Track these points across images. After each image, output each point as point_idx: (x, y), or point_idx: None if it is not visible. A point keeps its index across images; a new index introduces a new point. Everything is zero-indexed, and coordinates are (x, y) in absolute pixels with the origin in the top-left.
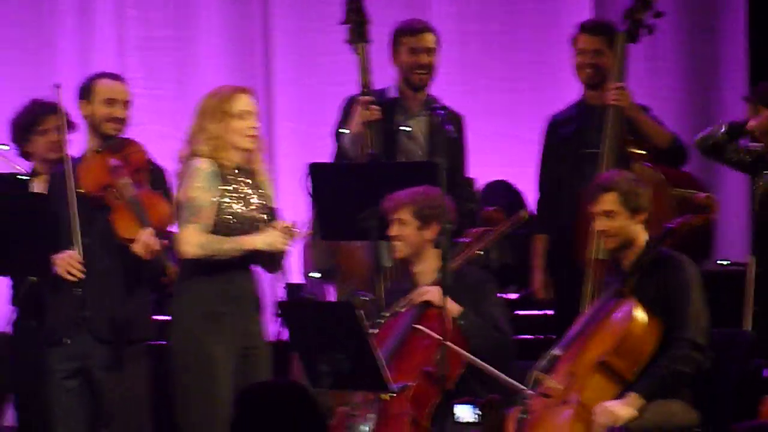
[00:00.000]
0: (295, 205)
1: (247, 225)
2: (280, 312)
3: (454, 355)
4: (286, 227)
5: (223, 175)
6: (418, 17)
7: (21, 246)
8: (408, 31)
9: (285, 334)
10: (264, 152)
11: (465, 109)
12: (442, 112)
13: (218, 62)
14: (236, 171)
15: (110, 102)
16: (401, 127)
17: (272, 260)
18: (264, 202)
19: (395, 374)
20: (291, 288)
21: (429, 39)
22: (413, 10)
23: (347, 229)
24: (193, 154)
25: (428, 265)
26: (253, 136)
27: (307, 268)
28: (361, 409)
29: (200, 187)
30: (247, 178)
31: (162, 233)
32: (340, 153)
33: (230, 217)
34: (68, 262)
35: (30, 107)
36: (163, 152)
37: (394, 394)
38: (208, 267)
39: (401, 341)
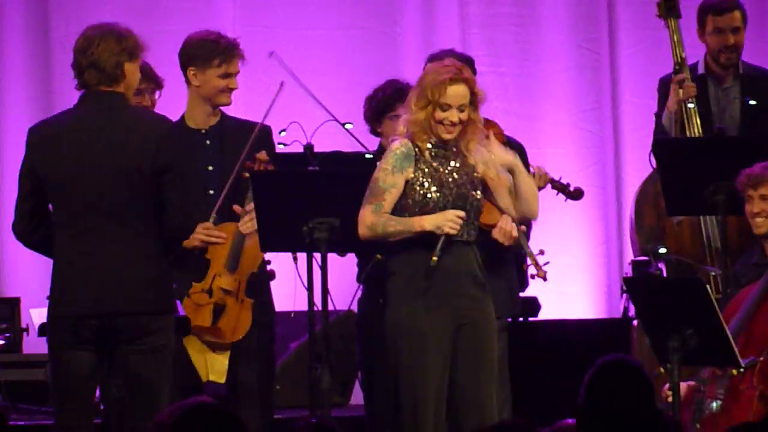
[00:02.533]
0: (641, 180)
1: (440, 206)
2: (626, 288)
3: None
4: (459, 215)
5: (418, 157)
6: None
7: None
8: (714, 10)
9: (631, 310)
10: (480, 134)
11: None
12: None
13: (561, 39)
14: (435, 150)
15: None
16: (750, 101)
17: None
18: (466, 174)
19: (743, 349)
20: (637, 265)
21: (735, 17)
22: None
23: (693, 204)
24: (398, 133)
25: None
26: (452, 128)
27: (635, 250)
28: (709, 384)
29: (386, 169)
30: (449, 152)
31: (521, 220)
32: (658, 131)
33: (422, 198)
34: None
35: (386, 90)
36: (508, 129)
37: (743, 370)
38: (408, 243)
39: (749, 315)
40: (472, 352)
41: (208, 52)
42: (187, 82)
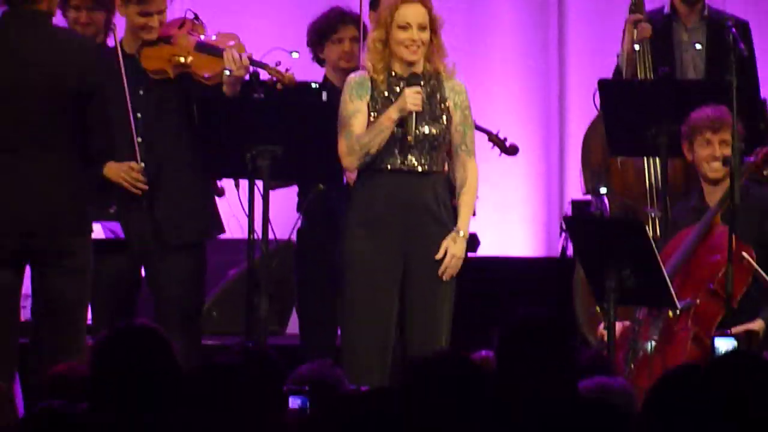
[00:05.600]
0: (585, 120)
1: (395, 137)
2: (565, 227)
3: (738, 274)
4: (415, 90)
5: (374, 88)
6: None
7: (312, 154)
8: None
9: (569, 250)
10: (444, 58)
11: (757, 30)
12: (734, 29)
13: None
14: (395, 80)
15: None
16: (696, 43)
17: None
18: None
19: (679, 291)
20: (577, 205)
21: None
22: None
23: (636, 145)
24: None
25: (722, 184)
26: (414, 48)
27: (586, 186)
28: (644, 325)
29: (344, 100)
30: (408, 83)
31: None
32: (616, 72)
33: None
34: None
35: (329, 14)
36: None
37: (679, 312)
38: (367, 174)
39: (686, 258)
40: (424, 283)
41: None
42: None
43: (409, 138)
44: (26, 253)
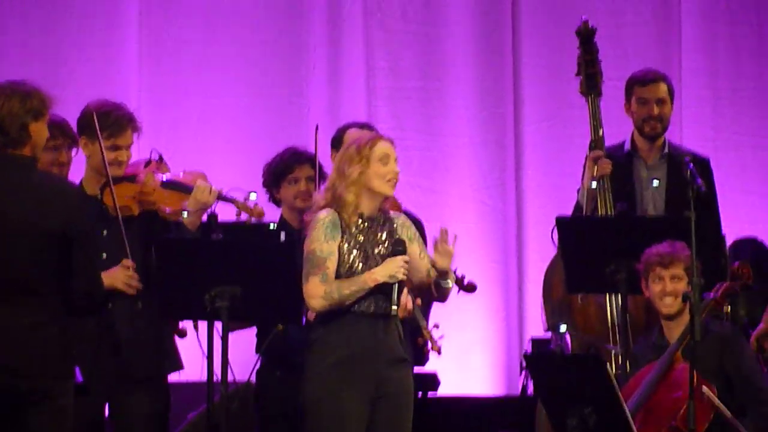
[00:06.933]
0: (543, 257)
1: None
2: (525, 365)
3: (700, 410)
4: (405, 260)
5: (344, 227)
6: (667, 71)
7: (271, 294)
8: (639, 81)
9: (530, 388)
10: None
11: (715, 166)
12: (692, 165)
13: (466, 113)
14: (361, 220)
15: None
16: (654, 180)
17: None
18: (392, 246)
19: (641, 428)
20: (537, 342)
21: (661, 89)
22: (665, 65)
23: (594, 282)
24: (319, 206)
25: (680, 320)
26: (395, 181)
27: (547, 323)
28: None
29: (318, 239)
30: (376, 227)
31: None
32: (576, 208)
33: (348, 269)
34: None
35: (284, 155)
36: (412, 202)
37: None
38: (335, 315)
39: (648, 395)
40: (388, 426)
41: (98, 124)
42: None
43: (393, 308)
44: (8, 396)
